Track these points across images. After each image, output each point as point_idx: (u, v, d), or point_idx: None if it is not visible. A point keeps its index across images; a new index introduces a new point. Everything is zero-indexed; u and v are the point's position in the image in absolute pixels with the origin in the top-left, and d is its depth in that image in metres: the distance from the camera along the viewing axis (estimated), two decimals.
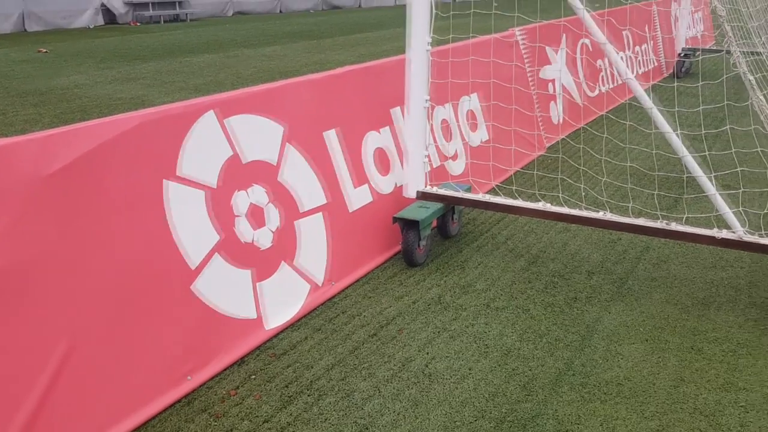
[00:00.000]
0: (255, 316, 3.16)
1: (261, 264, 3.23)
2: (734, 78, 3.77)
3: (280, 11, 22.43)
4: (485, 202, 3.99)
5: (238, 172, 3.17)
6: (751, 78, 3.55)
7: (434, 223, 4.22)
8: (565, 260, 4.07)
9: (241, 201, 3.16)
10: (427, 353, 3.11)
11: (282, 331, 3.26)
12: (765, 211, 3.37)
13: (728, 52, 3.56)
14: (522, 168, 5.64)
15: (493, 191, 4.67)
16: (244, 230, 3.15)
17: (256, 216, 3.23)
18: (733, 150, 3.48)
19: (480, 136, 5.41)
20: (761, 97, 3.63)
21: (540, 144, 6.21)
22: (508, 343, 3.19)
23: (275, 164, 3.38)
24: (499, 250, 4.22)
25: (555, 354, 3.09)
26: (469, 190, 4.31)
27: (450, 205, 4.21)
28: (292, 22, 19.09)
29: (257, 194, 3.25)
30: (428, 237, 4.04)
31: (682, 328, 3.31)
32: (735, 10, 6.30)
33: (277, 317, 3.26)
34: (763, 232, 3.40)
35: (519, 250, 4.23)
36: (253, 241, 3.19)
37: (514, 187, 4.93)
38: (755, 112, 3.63)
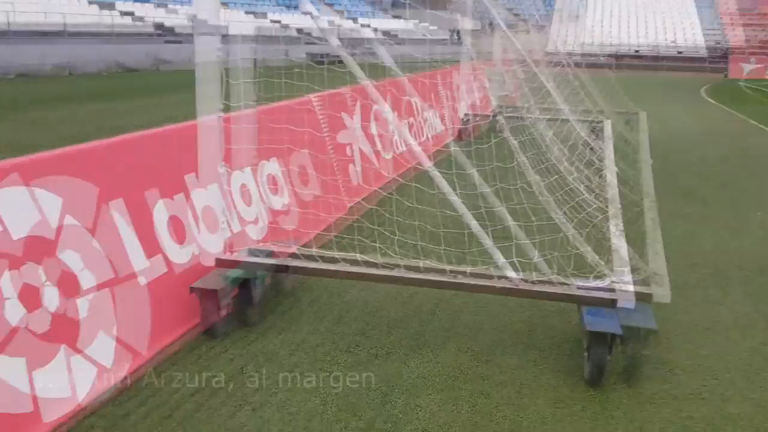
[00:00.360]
0: (30, 410, 2.83)
1: (36, 351, 2.91)
2: (504, 140, 4.22)
3: (69, 73, 21.13)
4: (285, 266, 4.00)
5: (7, 250, 2.86)
6: (515, 142, 4.00)
7: (235, 291, 4.12)
8: (366, 318, 4.17)
9: (9, 282, 2.84)
10: (228, 430, 2.98)
11: (63, 424, 2.94)
12: (535, 260, 3.76)
13: (495, 117, 4.00)
14: (322, 231, 5.75)
15: (294, 255, 4.70)
16: (13, 314, 2.83)
17: (29, 298, 2.92)
18: (505, 206, 3.87)
19: (281, 200, 5.45)
20: (524, 159, 4.09)
21: (340, 207, 6.39)
22: (312, 408, 3.16)
23: (52, 239, 3.11)
24: (303, 313, 4.23)
25: (358, 414, 3.12)
26: (270, 254, 4.29)
27: (251, 271, 4.14)
28: (84, 84, 18.04)
29: (30, 273, 2.95)
30: (229, 306, 3.93)
31: (473, 375, 3.52)
32: (503, 81, 7.12)
33: (57, 409, 2.94)
34: (535, 279, 3.77)
35: (323, 311, 4.26)
36: (25, 326, 2.88)
37: (314, 251, 4.99)
38: (521, 171, 4.07)
